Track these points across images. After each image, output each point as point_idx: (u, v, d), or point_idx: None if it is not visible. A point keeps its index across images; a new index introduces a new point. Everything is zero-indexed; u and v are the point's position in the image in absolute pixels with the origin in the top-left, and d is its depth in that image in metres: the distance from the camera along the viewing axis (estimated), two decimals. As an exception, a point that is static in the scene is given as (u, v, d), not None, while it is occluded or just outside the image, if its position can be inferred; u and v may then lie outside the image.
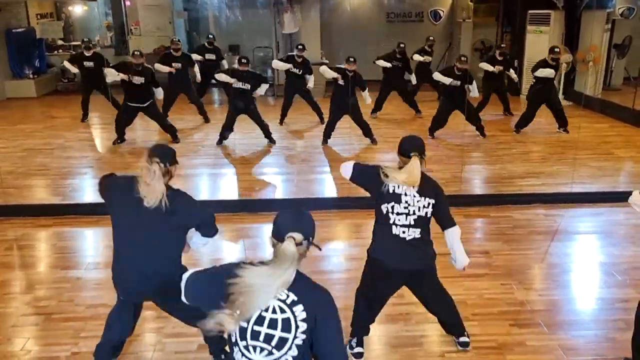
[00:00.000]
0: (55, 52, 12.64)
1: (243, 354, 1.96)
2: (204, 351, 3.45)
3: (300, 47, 8.95)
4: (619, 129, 8.65)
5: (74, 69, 9.29)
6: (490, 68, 8.94)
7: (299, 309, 1.93)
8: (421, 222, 3.11)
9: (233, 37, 12.08)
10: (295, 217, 2.04)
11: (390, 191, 3.08)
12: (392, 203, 3.07)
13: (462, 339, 3.47)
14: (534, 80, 8.26)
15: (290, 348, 1.93)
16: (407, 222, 3.09)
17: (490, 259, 4.67)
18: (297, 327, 1.93)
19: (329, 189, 6.62)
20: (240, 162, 7.48)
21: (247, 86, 7.60)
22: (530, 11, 10.68)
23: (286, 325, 1.92)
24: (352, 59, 7.69)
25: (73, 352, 3.50)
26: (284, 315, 1.92)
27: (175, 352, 3.50)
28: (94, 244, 5.29)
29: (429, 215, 3.13)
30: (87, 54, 9.21)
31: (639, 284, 4.26)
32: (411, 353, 3.47)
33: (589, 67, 10.07)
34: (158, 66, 8.66)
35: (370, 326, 3.46)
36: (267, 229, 5.50)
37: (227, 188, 6.76)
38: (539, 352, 3.46)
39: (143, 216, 2.81)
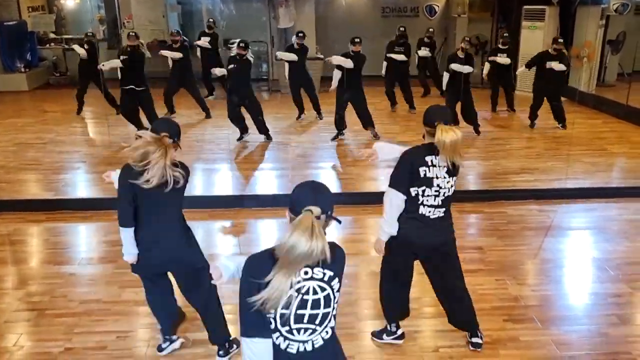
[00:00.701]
0: (47, 45, 12.52)
1: (286, 338, 1.96)
2: (198, 347, 3.45)
3: (300, 34, 8.82)
4: (612, 125, 8.68)
5: (82, 50, 9.04)
6: (504, 61, 8.89)
7: (336, 282, 1.98)
8: (447, 201, 3.13)
9: (227, 31, 11.98)
10: (313, 192, 2.01)
11: (422, 175, 3.03)
12: (424, 187, 3.05)
13: (474, 339, 3.42)
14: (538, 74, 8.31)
15: (330, 320, 2.00)
16: (435, 203, 3.09)
17: (484, 255, 4.68)
18: (335, 298, 1.98)
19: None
20: (235, 157, 7.45)
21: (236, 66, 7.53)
22: (525, 7, 10.68)
23: (328, 301, 1.96)
24: (357, 40, 7.54)
25: (66, 347, 3.48)
26: (325, 293, 1.95)
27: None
28: (87, 239, 5.26)
29: (453, 190, 3.14)
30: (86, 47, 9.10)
31: (631, 279, 4.29)
32: (405, 348, 3.47)
33: (583, 63, 10.10)
34: (164, 52, 8.73)
35: (399, 312, 3.50)
36: (261, 224, 5.49)
37: (222, 183, 6.74)
38: (532, 347, 3.47)
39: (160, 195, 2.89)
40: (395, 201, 3.09)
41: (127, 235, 2.99)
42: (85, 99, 9.36)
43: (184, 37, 9.45)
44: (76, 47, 9.25)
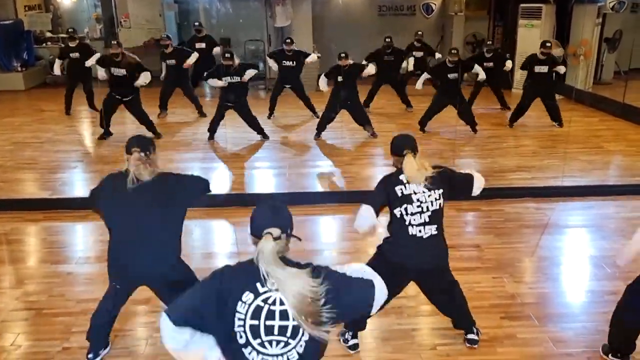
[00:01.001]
0: (44, 44, 12.48)
1: (259, 352, 1.94)
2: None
3: (288, 40, 8.89)
4: (609, 123, 8.70)
5: (58, 70, 9.09)
6: (481, 72, 8.74)
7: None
8: (436, 217, 3.12)
9: (224, 30, 11.98)
10: (271, 212, 2.04)
11: (399, 195, 3.08)
12: (405, 205, 3.08)
13: (469, 335, 3.45)
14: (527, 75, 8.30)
15: (303, 333, 1.94)
16: (422, 220, 3.09)
17: (481, 253, 4.69)
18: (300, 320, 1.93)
19: (320, 183, 6.61)
20: (232, 156, 7.45)
21: (237, 78, 7.55)
22: (521, 5, 10.69)
23: (284, 317, 1.93)
24: (343, 55, 7.65)
25: (64, 347, 3.48)
26: (293, 301, 1.92)
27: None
28: (84, 238, 5.25)
29: (442, 205, 3.14)
30: (71, 44, 9.07)
31: (628, 277, 4.24)
32: (403, 346, 3.48)
33: (579, 61, 10.12)
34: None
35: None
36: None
37: (219, 182, 6.73)
38: (529, 344, 3.48)
39: (139, 206, 2.93)
40: (364, 213, 3.11)
41: None
42: (81, 99, 9.32)
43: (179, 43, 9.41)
44: (57, 63, 9.23)
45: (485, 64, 8.85)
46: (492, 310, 3.84)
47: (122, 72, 7.44)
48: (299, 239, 2.07)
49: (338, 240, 5.13)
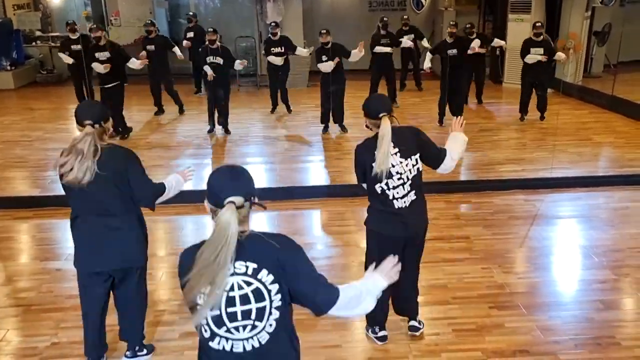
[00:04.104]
0: (33, 43, 12.40)
1: (228, 338, 1.87)
2: (186, 339, 3.46)
3: (273, 24, 8.90)
4: (598, 115, 8.75)
5: (68, 59, 8.81)
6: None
7: (264, 274, 1.83)
8: (416, 182, 3.10)
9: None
10: (231, 178, 1.85)
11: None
12: (385, 180, 3.02)
13: (412, 322, 3.46)
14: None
15: (270, 313, 1.86)
16: (405, 192, 3.07)
17: (470, 244, 4.72)
18: (269, 291, 1.84)
19: (311, 178, 6.62)
20: (223, 151, 7.44)
21: (220, 60, 7.55)
22: (511, -1, 10.72)
23: (259, 295, 1.83)
24: (323, 31, 7.60)
25: (53, 342, 3.48)
26: (252, 287, 1.82)
27: (157, 341, 3.49)
28: (74, 235, 5.23)
29: (420, 169, 3.11)
30: (72, 37, 8.89)
31: (616, 266, 4.34)
32: (392, 336, 3.48)
33: (569, 54, 10.16)
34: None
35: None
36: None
37: (207, 178, 6.72)
38: (518, 332, 3.51)
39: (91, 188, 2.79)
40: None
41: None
42: (72, 97, 9.28)
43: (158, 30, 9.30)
44: (61, 55, 8.95)
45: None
46: (481, 300, 3.87)
47: (106, 54, 7.35)
48: (264, 207, 1.92)
49: (329, 233, 5.14)
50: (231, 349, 1.88)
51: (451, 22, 8.06)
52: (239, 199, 1.79)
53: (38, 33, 12.54)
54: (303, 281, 1.89)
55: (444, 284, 4.08)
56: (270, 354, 1.90)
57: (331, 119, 7.97)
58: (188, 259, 1.83)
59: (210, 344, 1.89)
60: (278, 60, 8.72)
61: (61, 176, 2.80)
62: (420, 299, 3.81)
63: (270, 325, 1.88)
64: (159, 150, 7.27)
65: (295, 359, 2.01)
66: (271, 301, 1.85)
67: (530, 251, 4.66)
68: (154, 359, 3.33)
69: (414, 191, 3.10)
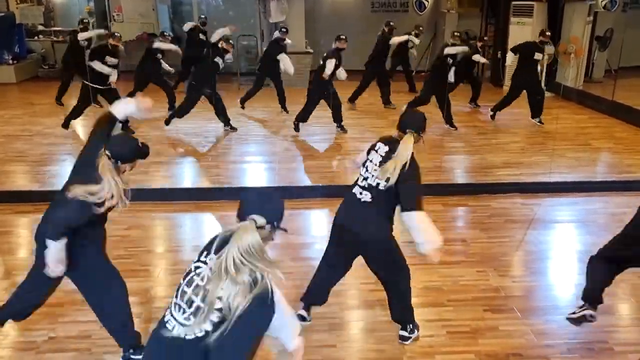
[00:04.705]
0: (36, 37, 12.44)
1: (171, 312, 1.99)
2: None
3: (284, 30, 8.96)
4: (597, 120, 8.78)
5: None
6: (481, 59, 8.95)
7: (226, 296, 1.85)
8: (372, 189, 3.21)
9: (217, 25, 11.97)
10: (259, 199, 1.96)
11: (367, 156, 3.29)
12: (364, 167, 3.31)
13: (401, 332, 3.46)
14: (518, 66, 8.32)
15: (204, 320, 1.86)
16: (362, 184, 3.27)
17: (467, 247, 4.75)
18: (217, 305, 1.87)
19: (309, 177, 6.64)
20: (222, 150, 7.46)
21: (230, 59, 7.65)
22: (513, 2, 10.75)
23: (205, 298, 1.89)
24: (343, 37, 7.63)
25: (50, 336, 3.51)
26: (209, 286, 1.88)
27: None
28: (73, 230, 5.25)
29: (382, 185, 3.17)
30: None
31: (610, 271, 4.35)
32: (386, 337, 3.52)
33: (570, 59, 10.18)
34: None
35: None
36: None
37: (209, 176, 6.75)
38: (511, 336, 3.54)
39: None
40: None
41: None
42: (72, 91, 9.27)
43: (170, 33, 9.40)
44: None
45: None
46: (476, 303, 3.89)
47: (115, 61, 7.60)
48: (285, 231, 1.97)
49: (327, 234, 5.15)
50: (165, 321, 2.02)
51: (455, 33, 8.33)
52: (260, 220, 1.88)
53: (40, 27, 12.58)
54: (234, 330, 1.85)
55: (439, 286, 4.10)
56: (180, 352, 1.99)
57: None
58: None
59: (172, 303, 2.05)
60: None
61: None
62: (414, 300, 3.85)
63: (201, 331, 1.91)
64: (157, 149, 7.28)
65: None
66: (216, 316, 1.90)
67: (526, 255, 4.68)
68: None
69: (369, 194, 3.17)
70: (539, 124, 8.33)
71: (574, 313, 3.32)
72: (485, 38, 9.96)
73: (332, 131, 8.03)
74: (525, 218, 5.34)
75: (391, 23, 9.48)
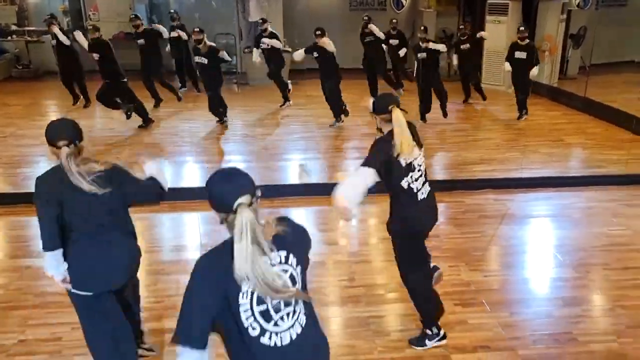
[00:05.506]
0: (9, 37, 12.23)
1: (277, 333, 1.87)
2: (154, 336, 3.48)
3: (261, 20, 9.23)
4: (570, 117, 8.93)
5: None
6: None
7: (292, 260, 1.91)
8: (426, 172, 3.16)
9: (194, 23, 11.90)
10: (231, 181, 1.86)
11: (404, 164, 2.99)
12: (410, 174, 3.03)
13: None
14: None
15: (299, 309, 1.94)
16: (422, 182, 3.12)
17: (440, 242, 4.80)
18: (297, 274, 1.93)
19: (291, 176, 6.66)
20: (201, 149, 7.44)
21: (204, 60, 7.57)
22: (489, 1, 10.87)
23: (293, 280, 1.91)
24: (319, 32, 7.79)
25: (20, 339, 3.48)
26: (288, 274, 1.89)
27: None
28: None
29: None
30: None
31: (578, 264, 4.46)
32: (359, 333, 3.56)
33: (545, 56, 10.34)
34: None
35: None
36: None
37: (187, 176, 6.73)
38: (480, 329, 3.60)
39: (92, 204, 2.71)
40: (361, 180, 2.87)
41: None
42: (47, 92, 9.19)
43: (152, 25, 9.32)
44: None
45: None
46: (446, 297, 3.92)
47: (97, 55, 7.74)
48: (262, 193, 1.90)
49: (312, 232, 5.17)
50: (281, 343, 1.88)
51: (422, 27, 8.43)
52: (246, 198, 1.81)
53: (14, 27, 12.38)
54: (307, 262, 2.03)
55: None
56: (309, 337, 1.96)
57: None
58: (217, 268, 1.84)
59: (262, 340, 1.86)
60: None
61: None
62: (389, 295, 3.91)
63: (303, 306, 1.95)
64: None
65: (325, 337, 2.06)
66: (300, 283, 1.94)
67: (497, 250, 4.76)
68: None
69: (427, 182, 3.16)
70: (518, 119, 8.47)
71: None
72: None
73: (311, 129, 8.06)
74: (499, 213, 5.43)
75: (365, 17, 9.55)
